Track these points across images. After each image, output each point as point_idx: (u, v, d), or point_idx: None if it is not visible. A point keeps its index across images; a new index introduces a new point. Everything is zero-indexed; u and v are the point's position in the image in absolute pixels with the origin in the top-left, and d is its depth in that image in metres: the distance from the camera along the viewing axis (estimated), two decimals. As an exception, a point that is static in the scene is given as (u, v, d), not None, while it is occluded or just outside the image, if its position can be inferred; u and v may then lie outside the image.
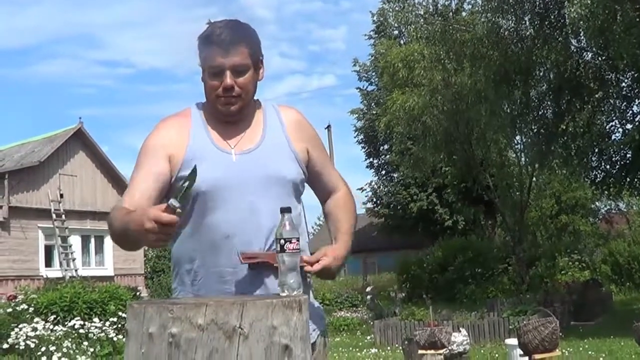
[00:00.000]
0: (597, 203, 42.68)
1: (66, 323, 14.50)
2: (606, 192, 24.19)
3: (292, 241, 2.71)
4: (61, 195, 31.58)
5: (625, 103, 21.95)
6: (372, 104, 45.01)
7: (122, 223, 2.75)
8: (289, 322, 2.39)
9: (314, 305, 3.13)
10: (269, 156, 3.02)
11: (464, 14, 32.37)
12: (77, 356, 12.56)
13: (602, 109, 22.10)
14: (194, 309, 2.27)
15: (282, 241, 2.71)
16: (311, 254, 3.01)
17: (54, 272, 29.32)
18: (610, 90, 21.57)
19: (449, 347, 12.31)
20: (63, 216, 31.19)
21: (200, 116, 3.10)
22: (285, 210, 2.73)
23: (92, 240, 33.77)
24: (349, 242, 3.13)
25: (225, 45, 2.93)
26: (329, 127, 42.58)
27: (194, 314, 2.27)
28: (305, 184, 3.20)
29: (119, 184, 34.59)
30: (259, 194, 2.96)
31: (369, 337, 18.92)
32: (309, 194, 3.31)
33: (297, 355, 2.39)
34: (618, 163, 22.18)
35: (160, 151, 2.98)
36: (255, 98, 3.16)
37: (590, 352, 13.69)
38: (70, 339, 13.14)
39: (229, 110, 3.02)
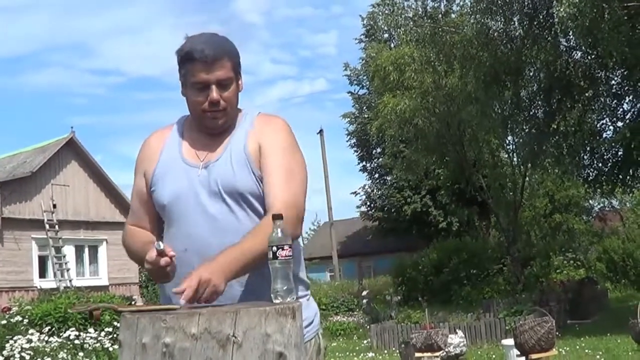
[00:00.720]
0: (590, 201, 42.78)
1: (61, 334, 14.45)
2: (599, 190, 24.24)
3: (285, 248, 2.69)
4: (54, 206, 31.46)
5: (615, 101, 22.01)
6: (364, 107, 45.09)
7: (138, 253, 2.99)
8: (282, 329, 2.38)
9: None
10: (223, 167, 2.99)
11: (453, 15, 32.38)
12: (73, 367, 12.54)
13: (593, 107, 22.15)
14: (187, 318, 2.27)
15: (275, 248, 2.69)
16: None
17: (48, 283, 29.20)
18: (601, 89, 21.63)
19: (446, 349, 12.34)
20: (56, 226, 31.09)
21: (179, 130, 3.17)
22: (277, 217, 2.72)
23: (86, 250, 33.66)
24: (230, 256, 2.72)
25: (209, 61, 2.94)
26: (321, 131, 42.61)
27: (187, 324, 2.26)
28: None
29: (112, 193, 34.56)
30: (213, 207, 2.95)
31: (365, 341, 18.92)
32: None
33: (291, 363, 2.38)
34: (610, 161, 22.25)
35: (139, 169, 3.17)
36: (239, 107, 3.17)
37: (587, 351, 13.70)
38: (65, 350, 13.10)
39: (217, 124, 3.05)
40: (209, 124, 3.05)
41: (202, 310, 2.32)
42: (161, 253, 2.66)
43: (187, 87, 3.03)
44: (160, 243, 2.68)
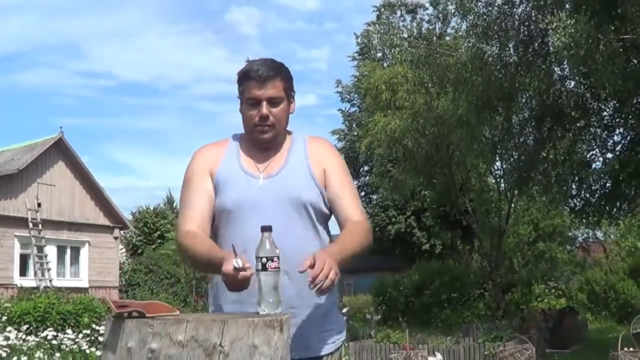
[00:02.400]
0: (574, 231, 42.82)
1: (39, 333, 14.34)
2: (585, 220, 24.23)
3: (274, 260, 2.71)
4: (39, 205, 31.34)
5: (606, 132, 22.03)
6: (354, 125, 45.18)
7: (205, 257, 3.10)
8: (269, 341, 2.37)
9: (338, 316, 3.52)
10: (288, 179, 3.33)
11: (447, 38, 32.52)
12: (49, 367, 12.44)
13: (583, 137, 22.17)
14: (174, 325, 2.25)
15: (264, 259, 2.71)
16: None
17: (28, 282, 29.07)
18: (592, 119, 21.65)
19: (424, 371, 12.31)
20: (40, 225, 30.97)
21: (236, 144, 3.47)
22: (266, 229, 2.76)
23: (68, 251, 33.54)
24: (338, 249, 3.07)
25: (262, 79, 3.28)
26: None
27: (174, 330, 2.25)
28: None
29: (98, 195, 34.48)
30: (276, 214, 3.18)
31: (344, 359, 18.84)
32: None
33: (277, 376, 2.36)
34: (598, 192, 22.23)
35: (202, 171, 3.37)
36: (288, 129, 3.53)
37: (564, 380, 13.69)
38: (42, 350, 12.99)
39: (264, 138, 3.37)
40: (258, 137, 3.37)
41: (189, 317, 2.30)
42: (239, 269, 2.77)
43: (243, 103, 3.38)
44: (239, 260, 2.76)
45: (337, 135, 46.45)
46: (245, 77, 3.33)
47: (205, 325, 2.26)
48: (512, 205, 30.51)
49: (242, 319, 2.34)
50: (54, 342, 13.56)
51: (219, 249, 3.07)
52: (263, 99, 3.29)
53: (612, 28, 16.97)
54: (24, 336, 13.81)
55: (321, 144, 3.56)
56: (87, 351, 13.40)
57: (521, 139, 22.71)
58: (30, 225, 30.69)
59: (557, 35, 16.55)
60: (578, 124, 21.41)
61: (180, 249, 3.27)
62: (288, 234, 3.11)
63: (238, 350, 2.27)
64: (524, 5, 20.35)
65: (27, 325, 15.58)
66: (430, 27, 40.47)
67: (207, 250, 3.09)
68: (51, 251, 31.91)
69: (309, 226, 3.30)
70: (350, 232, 3.24)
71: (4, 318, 15.29)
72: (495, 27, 20.23)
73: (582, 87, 21.02)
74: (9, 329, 13.87)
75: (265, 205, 3.23)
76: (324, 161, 3.44)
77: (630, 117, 20.94)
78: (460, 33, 23.30)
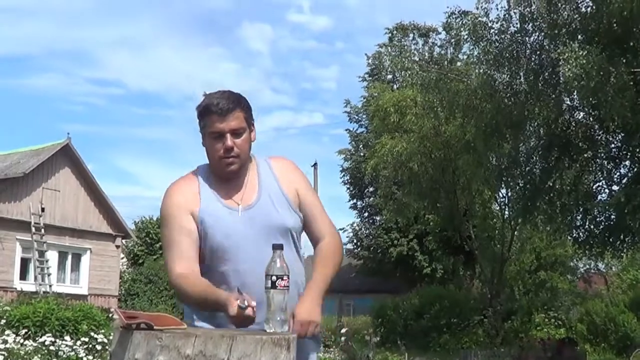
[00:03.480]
0: (576, 261, 42.73)
1: (37, 338, 14.33)
2: (588, 251, 24.16)
3: (284, 278, 2.72)
4: (42, 209, 31.38)
5: (613, 164, 22.00)
6: (361, 145, 45.15)
7: (201, 297, 3.14)
8: (277, 359, 2.36)
9: None
10: (268, 208, 3.42)
11: (459, 63, 32.55)
12: (45, 373, 12.44)
13: (590, 168, 22.14)
14: (183, 339, 2.26)
15: (274, 277, 2.72)
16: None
17: (28, 286, 29.07)
18: (599, 151, 21.64)
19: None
20: (42, 230, 30.99)
21: (206, 178, 3.48)
22: (277, 247, 2.77)
23: (69, 257, 33.55)
24: (317, 290, 3.31)
25: (223, 112, 3.34)
26: (315, 165, 42.57)
27: (183, 344, 2.25)
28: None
29: (102, 203, 34.52)
30: (263, 244, 3.21)
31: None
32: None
33: (282, 395, 2.36)
34: (602, 224, 22.16)
35: (182, 211, 3.36)
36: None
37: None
38: (39, 355, 12.99)
39: (231, 170, 3.42)
40: (224, 169, 3.42)
41: (197, 332, 2.30)
42: (244, 308, 2.82)
43: (206, 137, 3.43)
44: (244, 302, 2.80)
45: (344, 155, 46.45)
46: (206, 112, 3.39)
47: (213, 341, 2.26)
48: (516, 233, 30.47)
49: (251, 336, 2.34)
50: (51, 348, 13.56)
51: (214, 288, 3.10)
52: (226, 132, 3.35)
53: (624, 61, 17.02)
54: (22, 340, 13.80)
55: (286, 164, 3.66)
56: (85, 359, 13.40)
57: (527, 168, 22.68)
58: (33, 229, 30.69)
59: (568, 66, 16.58)
60: (585, 155, 21.41)
61: (176, 290, 3.33)
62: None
63: (245, 367, 2.27)
64: (537, 34, 20.37)
65: (26, 330, 15.54)
66: (442, 52, 40.61)
67: (202, 290, 3.13)
68: (52, 256, 31.88)
69: (292, 249, 3.42)
70: (326, 258, 3.46)
71: (3, 321, 15.25)
72: (507, 55, 20.25)
73: (590, 118, 21.02)
74: (7, 332, 13.86)
75: (253, 237, 3.31)
76: (292, 181, 3.56)
77: (637, 150, 20.92)
78: (472, 59, 23.31)
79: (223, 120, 3.33)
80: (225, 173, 3.42)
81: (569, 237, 24.64)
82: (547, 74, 20.28)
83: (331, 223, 3.63)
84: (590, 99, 17.98)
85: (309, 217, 3.54)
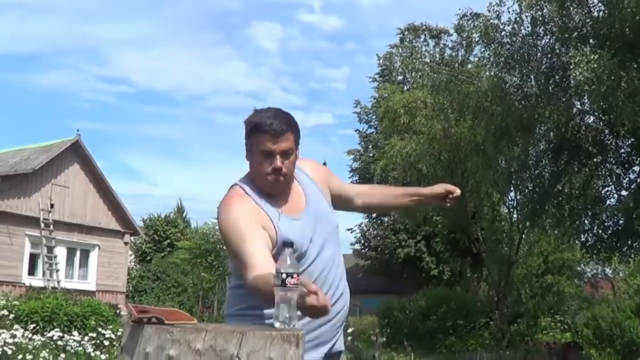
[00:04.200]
0: (583, 266, 42.62)
1: (45, 333, 14.39)
2: (596, 256, 24.11)
3: (294, 276, 2.71)
4: (52, 205, 31.43)
5: (622, 169, 21.95)
6: (370, 146, 45.16)
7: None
8: (285, 355, 2.39)
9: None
10: (319, 211, 3.61)
11: (469, 65, 32.50)
12: (53, 368, 12.47)
13: (599, 173, 22.10)
14: (193, 333, 2.28)
15: (284, 275, 2.71)
16: None
17: (37, 281, 29.12)
18: (609, 155, 21.59)
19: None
20: (51, 226, 31.07)
21: (257, 195, 3.50)
22: (288, 244, 2.78)
23: (78, 253, 33.61)
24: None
25: (276, 134, 3.40)
26: (324, 164, 42.42)
27: (194, 338, 2.27)
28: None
29: (110, 200, 34.58)
30: (328, 245, 3.55)
31: (346, 380, 18.82)
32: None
33: (291, 390, 2.39)
34: (610, 228, 22.11)
35: (256, 222, 3.36)
36: None
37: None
38: (47, 350, 13.04)
39: (278, 188, 3.51)
40: (271, 187, 3.49)
41: (208, 327, 2.33)
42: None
43: (254, 153, 3.49)
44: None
45: (353, 156, 46.50)
46: (258, 130, 3.43)
47: (224, 336, 2.29)
48: (524, 236, 30.42)
49: (260, 331, 2.36)
50: (59, 342, 13.62)
51: None
52: (277, 153, 3.41)
53: (635, 66, 16.99)
54: (30, 335, 13.86)
55: (311, 164, 3.85)
56: (92, 354, 13.44)
57: (537, 171, 22.65)
58: (42, 225, 30.78)
59: (580, 70, 16.55)
60: (595, 159, 21.36)
61: (254, 291, 3.19)
62: (339, 262, 3.64)
63: (254, 363, 2.30)
64: (548, 37, 20.33)
65: (34, 325, 15.63)
66: (453, 54, 40.49)
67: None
68: (61, 252, 31.96)
69: (338, 244, 3.69)
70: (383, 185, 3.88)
71: (12, 316, 15.33)
72: (518, 58, 20.23)
73: (601, 122, 20.98)
74: (15, 327, 13.92)
75: (316, 239, 3.49)
76: (322, 178, 3.80)
77: (647, 155, 20.91)
78: (483, 61, 23.28)
79: (275, 142, 3.39)
80: (270, 190, 3.50)
81: (577, 242, 24.58)
82: (557, 77, 20.24)
83: None
84: (601, 103, 17.96)
85: (339, 192, 3.91)
